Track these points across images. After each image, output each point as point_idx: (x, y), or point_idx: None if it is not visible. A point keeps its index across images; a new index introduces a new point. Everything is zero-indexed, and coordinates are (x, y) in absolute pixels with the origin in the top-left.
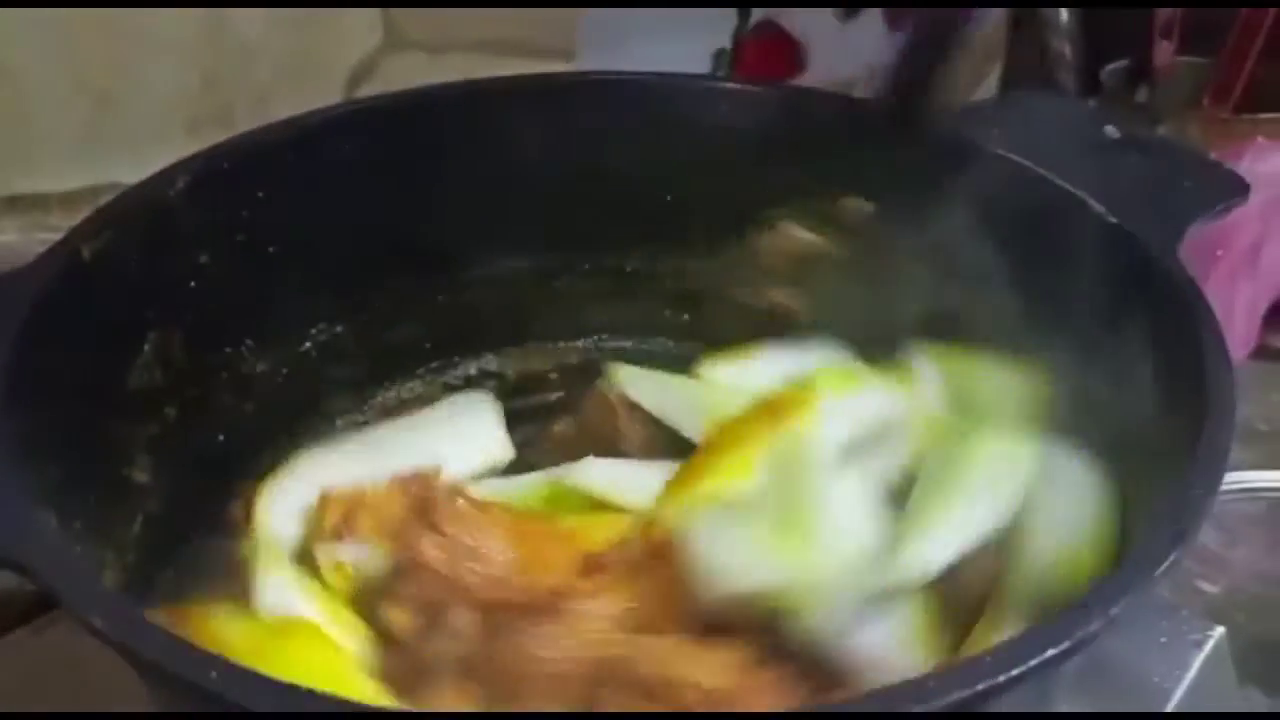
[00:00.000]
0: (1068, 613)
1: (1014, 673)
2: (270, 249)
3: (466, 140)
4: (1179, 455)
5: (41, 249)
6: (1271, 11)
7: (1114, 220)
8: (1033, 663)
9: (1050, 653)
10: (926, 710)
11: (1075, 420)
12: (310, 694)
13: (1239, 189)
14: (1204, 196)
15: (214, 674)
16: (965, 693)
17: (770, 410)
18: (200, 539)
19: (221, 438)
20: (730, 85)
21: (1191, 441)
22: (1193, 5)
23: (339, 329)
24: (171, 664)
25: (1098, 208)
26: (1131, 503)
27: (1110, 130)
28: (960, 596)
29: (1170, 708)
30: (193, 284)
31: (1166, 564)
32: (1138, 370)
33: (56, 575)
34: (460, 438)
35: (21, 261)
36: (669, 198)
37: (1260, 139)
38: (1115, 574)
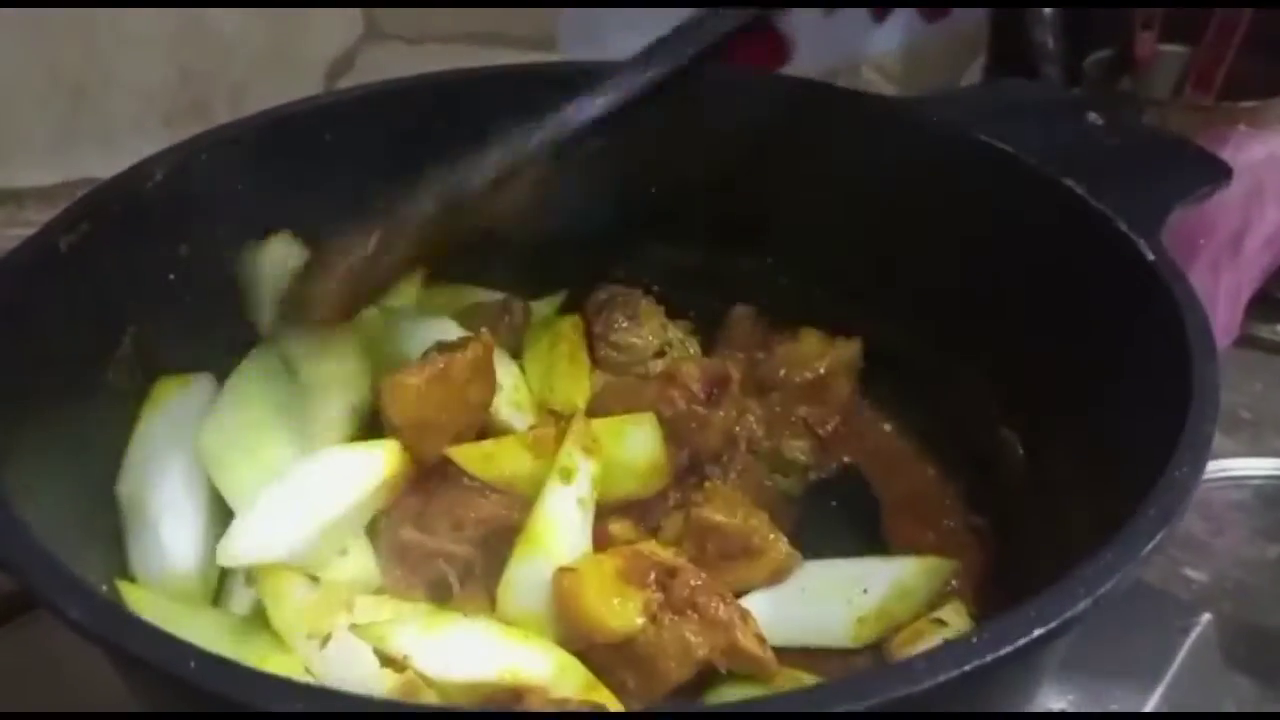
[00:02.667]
0: (1056, 592)
1: (1004, 652)
2: (249, 240)
3: (444, 130)
4: (1164, 439)
5: (17, 243)
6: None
7: (1097, 205)
8: (1022, 641)
9: (1038, 632)
10: (911, 692)
11: (1062, 403)
12: (288, 685)
13: (1221, 173)
14: (1186, 181)
15: (192, 664)
16: (955, 673)
17: None
18: None
19: None
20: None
21: (1175, 424)
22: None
23: None
24: (151, 656)
25: (1080, 193)
26: (1118, 487)
27: (1093, 117)
28: None
29: (1158, 691)
30: (171, 277)
31: (1152, 544)
32: (1122, 355)
33: (35, 571)
34: None
35: None
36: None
37: (1243, 127)
38: (1102, 555)
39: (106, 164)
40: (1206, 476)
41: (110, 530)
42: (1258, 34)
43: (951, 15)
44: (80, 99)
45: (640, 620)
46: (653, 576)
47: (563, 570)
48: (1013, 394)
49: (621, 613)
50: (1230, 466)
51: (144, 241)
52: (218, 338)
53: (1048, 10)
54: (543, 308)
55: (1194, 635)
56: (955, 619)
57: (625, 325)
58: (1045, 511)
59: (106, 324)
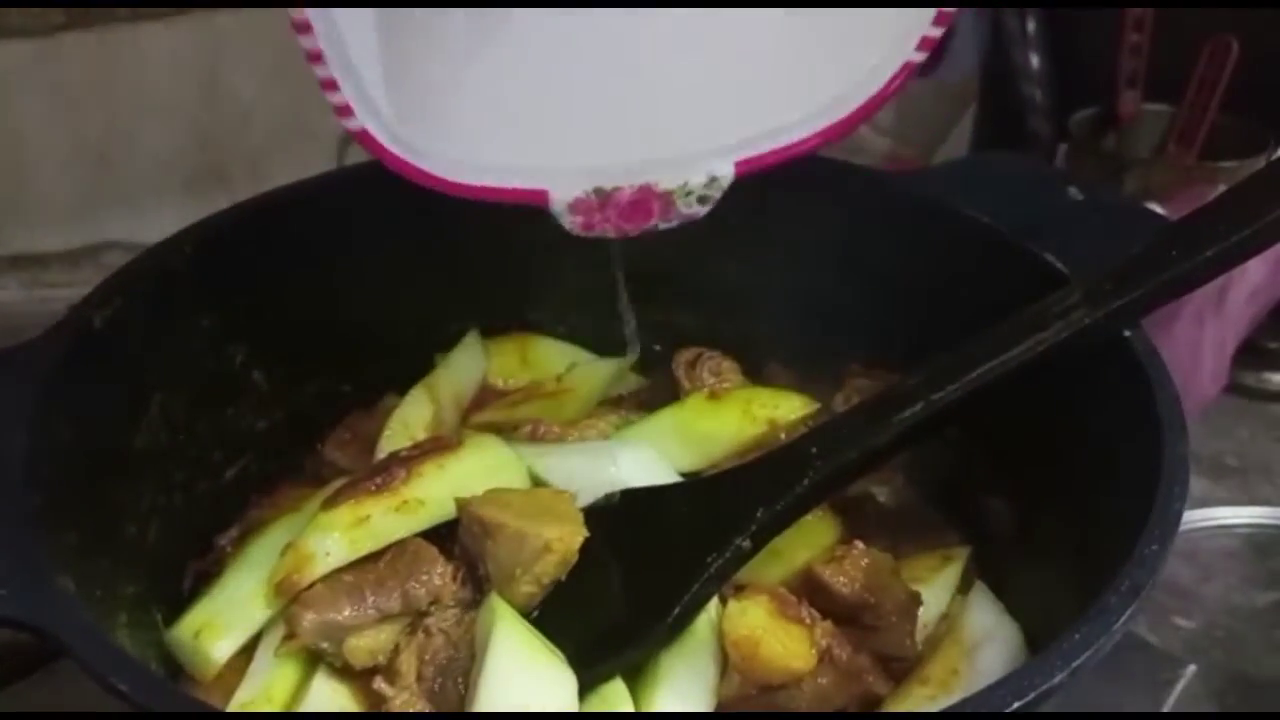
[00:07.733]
0: (1032, 665)
1: None
2: (268, 310)
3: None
4: (1137, 514)
5: (41, 306)
6: (1231, 62)
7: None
8: (1003, 712)
9: (1016, 704)
10: None
11: (1044, 475)
12: None
13: None
14: None
15: None
16: None
17: None
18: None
19: (218, 491)
20: None
21: (1147, 501)
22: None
23: (334, 384)
24: None
25: (1061, 268)
26: (1097, 558)
27: (1073, 191)
28: None
29: None
30: (196, 346)
31: (1123, 619)
32: (1097, 430)
33: (82, 644)
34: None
35: (22, 318)
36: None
37: (1222, 186)
38: (1077, 629)
39: (128, 228)
40: (1195, 524)
41: (138, 593)
42: (1238, 95)
43: (941, 70)
44: (103, 165)
45: (815, 654)
46: (805, 611)
47: (734, 622)
48: (999, 463)
49: (799, 651)
50: (1218, 514)
51: (172, 313)
52: (237, 402)
53: (1036, 65)
54: (609, 367)
55: (1180, 686)
56: None
57: (713, 381)
58: (1034, 573)
59: (137, 393)
